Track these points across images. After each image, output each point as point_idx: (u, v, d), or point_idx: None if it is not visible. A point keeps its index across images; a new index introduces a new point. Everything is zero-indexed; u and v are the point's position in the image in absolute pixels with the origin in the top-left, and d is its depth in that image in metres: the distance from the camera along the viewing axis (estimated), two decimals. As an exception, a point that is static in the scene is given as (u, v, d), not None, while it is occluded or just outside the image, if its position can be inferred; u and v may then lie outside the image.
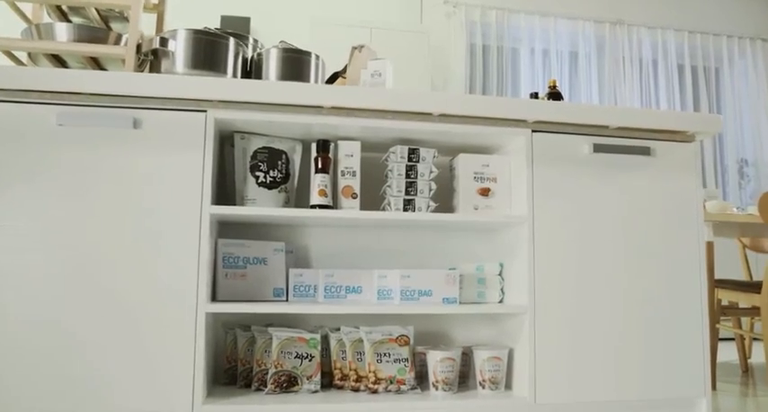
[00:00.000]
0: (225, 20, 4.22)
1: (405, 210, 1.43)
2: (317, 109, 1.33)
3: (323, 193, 1.38)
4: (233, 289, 1.41)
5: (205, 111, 1.30)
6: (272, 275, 1.46)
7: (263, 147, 1.43)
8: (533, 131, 1.43)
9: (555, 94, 2.04)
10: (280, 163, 1.44)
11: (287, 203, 1.45)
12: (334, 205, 1.43)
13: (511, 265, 1.48)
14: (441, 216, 1.38)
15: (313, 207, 1.37)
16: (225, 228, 1.54)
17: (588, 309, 1.39)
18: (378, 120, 1.36)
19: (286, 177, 1.45)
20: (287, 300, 1.47)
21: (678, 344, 1.42)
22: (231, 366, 1.48)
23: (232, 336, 1.49)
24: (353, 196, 1.43)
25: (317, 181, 1.39)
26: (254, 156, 1.42)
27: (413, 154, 1.45)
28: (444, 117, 1.39)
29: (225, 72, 1.39)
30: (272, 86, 1.28)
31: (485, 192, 1.49)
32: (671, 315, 1.43)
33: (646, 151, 1.46)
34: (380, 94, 1.31)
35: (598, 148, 1.43)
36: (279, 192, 1.43)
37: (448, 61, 4.60)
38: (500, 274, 1.53)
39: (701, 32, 5.09)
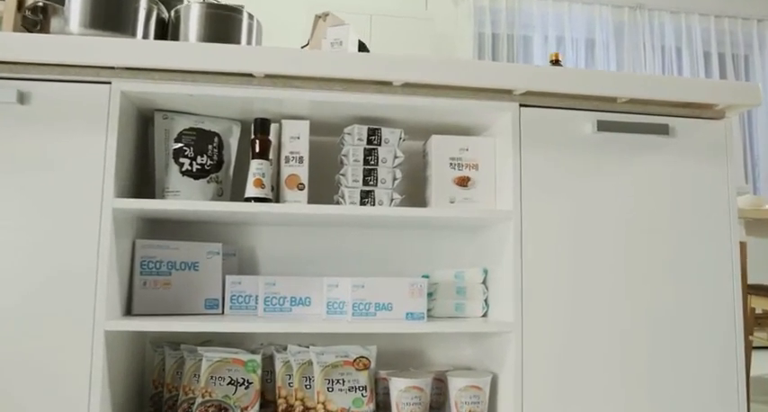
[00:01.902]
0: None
1: (362, 203, 1.16)
2: (246, 78, 1.08)
3: (259, 183, 1.12)
4: (153, 300, 1.15)
5: (109, 82, 1.05)
6: (204, 283, 1.20)
7: (190, 129, 1.17)
8: (522, 106, 1.15)
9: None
10: (210, 147, 1.18)
11: (220, 196, 1.20)
12: (277, 198, 1.18)
13: (496, 272, 1.20)
14: (404, 211, 1.11)
15: (248, 200, 1.11)
16: (153, 228, 1.29)
17: (589, 327, 1.11)
18: (325, 92, 1.10)
19: (218, 165, 1.19)
20: (222, 313, 1.22)
21: (703, 369, 1.13)
22: (158, 392, 1.23)
23: (161, 357, 1.24)
24: (300, 187, 1.17)
25: (254, 168, 1.13)
26: (178, 140, 1.16)
27: (373, 135, 1.19)
28: (409, 87, 1.12)
29: (133, 34, 1.14)
30: (184, 48, 1.03)
31: (463, 182, 1.21)
32: (694, 331, 1.14)
33: (663, 130, 1.17)
34: (324, 59, 1.05)
35: (603, 127, 1.15)
36: (208, 182, 1.17)
37: (454, 51, 4.32)
38: (484, 283, 1.26)
39: (729, 16, 4.72)
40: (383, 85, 1.11)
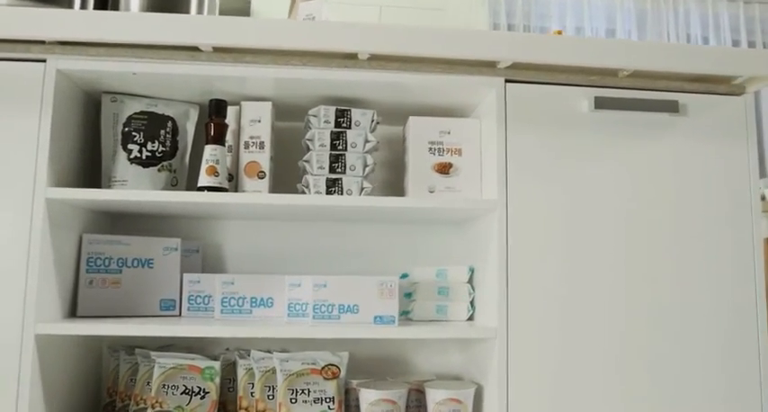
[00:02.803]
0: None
1: (329, 193, 1.04)
2: (192, 53, 0.96)
3: (212, 171, 1.01)
4: (101, 301, 1.05)
5: (44, 60, 0.95)
6: (159, 282, 1.10)
7: (141, 113, 1.07)
8: (508, 81, 1.02)
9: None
10: (163, 133, 1.08)
11: (174, 186, 1.09)
12: (236, 187, 1.06)
13: (483, 271, 1.07)
14: (373, 201, 0.98)
15: (200, 190, 1.00)
16: (110, 222, 1.19)
17: (584, 333, 0.97)
18: (281, 67, 0.98)
19: (172, 152, 1.08)
20: (179, 315, 1.11)
21: (715, 380, 0.98)
22: (111, 401, 1.12)
23: (116, 362, 1.14)
24: (260, 175, 1.06)
25: (207, 155, 1.02)
26: (127, 124, 1.06)
27: (342, 117, 1.06)
28: (376, 61, 0.99)
29: (70, 4, 1.03)
30: (120, 19, 0.92)
31: (444, 169, 1.08)
32: (707, 340, 0.99)
33: (672, 107, 1.02)
34: (277, 28, 0.93)
35: (602, 104, 1.01)
36: (159, 170, 1.06)
37: (467, 42, 4.17)
38: (469, 282, 1.12)
39: (760, 2, 4.47)
40: (348, 59, 0.99)
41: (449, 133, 1.09)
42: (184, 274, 1.11)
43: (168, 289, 1.10)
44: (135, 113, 1.06)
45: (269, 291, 1.07)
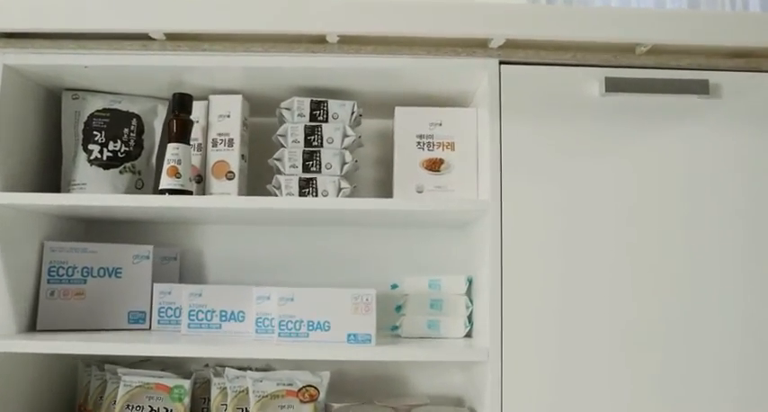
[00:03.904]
0: None
1: (302, 194, 0.93)
2: (144, 41, 0.87)
3: (174, 172, 0.91)
4: (63, 313, 0.98)
5: (-8, 54, 0.88)
6: (128, 293, 1.02)
7: (103, 110, 0.99)
8: (502, 63, 0.88)
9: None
10: (126, 131, 0.99)
11: (139, 189, 1.00)
12: (203, 189, 0.96)
13: (480, 281, 0.93)
14: (345, 203, 0.86)
15: (161, 192, 0.91)
16: (81, 228, 1.11)
17: (588, 355, 0.82)
18: (242, 55, 0.87)
19: (136, 152, 1.00)
20: (149, 328, 1.02)
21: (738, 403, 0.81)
22: (83, 419, 1.05)
23: (88, 378, 1.07)
24: (229, 176, 0.96)
25: (169, 154, 0.92)
26: (88, 123, 0.98)
27: (318, 109, 0.95)
28: (347, 44, 0.87)
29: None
30: (61, 5, 0.83)
31: (434, 166, 0.95)
32: (736, 362, 0.82)
33: (702, 88, 0.86)
34: (233, 10, 0.82)
35: (614, 86, 0.86)
36: (121, 172, 0.98)
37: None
38: (467, 294, 0.99)
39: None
40: (316, 43, 0.87)
41: (440, 125, 0.96)
42: (155, 285, 1.02)
43: (138, 300, 1.02)
44: (97, 111, 0.98)
45: (240, 303, 0.97)
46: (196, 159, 0.97)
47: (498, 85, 0.87)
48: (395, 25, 0.83)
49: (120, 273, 1.02)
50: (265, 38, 0.86)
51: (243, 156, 0.98)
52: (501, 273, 0.83)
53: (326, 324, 0.85)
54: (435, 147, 0.96)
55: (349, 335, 0.85)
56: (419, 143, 0.96)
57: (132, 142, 0.99)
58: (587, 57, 0.87)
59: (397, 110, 0.97)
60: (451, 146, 0.96)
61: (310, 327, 0.85)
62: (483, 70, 0.88)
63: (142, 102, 1.01)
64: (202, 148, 0.98)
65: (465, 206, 0.86)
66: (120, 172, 0.97)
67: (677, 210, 0.84)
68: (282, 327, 0.85)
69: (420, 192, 0.95)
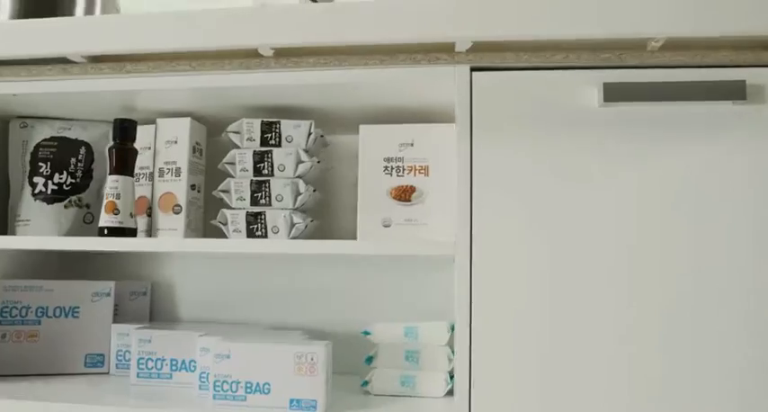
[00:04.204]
0: None
1: (250, 232, 0.81)
2: (64, 65, 0.78)
3: (112, 208, 0.82)
4: (15, 357, 0.91)
5: (-76, 85, 0.82)
6: (85, 334, 0.94)
7: (51, 139, 0.91)
8: (474, 70, 0.71)
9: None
10: (74, 161, 0.91)
11: (89, 223, 0.92)
12: (150, 226, 0.87)
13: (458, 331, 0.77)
14: (295, 246, 0.73)
15: (101, 231, 0.82)
16: (55, 261, 1.06)
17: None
18: (170, 76, 0.76)
19: (84, 183, 0.92)
20: (108, 373, 0.94)
21: None
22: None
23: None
24: (176, 210, 0.85)
25: (108, 188, 0.83)
26: (34, 153, 0.91)
27: (269, 132, 0.83)
28: (286, 57, 0.74)
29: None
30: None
31: (404, 195, 0.80)
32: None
33: (737, 92, 0.65)
34: (149, 25, 0.71)
35: (615, 94, 0.67)
36: (66, 206, 0.90)
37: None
38: (448, 345, 0.83)
39: None
40: (250, 58, 0.74)
41: (411, 145, 0.81)
42: (113, 326, 0.94)
43: (96, 342, 0.94)
44: (44, 140, 0.91)
45: (191, 351, 0.86)
46: (147, 190, 0.88)
47: (469, 96, 0.70)
48: (330, 33, 0.68)
49: (78, 312, 0.94)
50: (190, 55, 0.74)
51: (194, 186, 0.88)
52: (470, 326, 0.67)
53: (267, 386, 0.73)
54: (406, 171, 0.80)
55: (292, 401, 0.72)
56: (386, 168, 0.81)
57: (80, 173, 0.91)
58: (584, 57, 0.69)
59: (362, 129, 0.83)
60: (425, 170, 0.80)
61: (248, 390, 0.73)
62: (450, 80, 0.72)
63: (93, 127, 0.93)
64: (149, 179, 0.88)
65: (427, 250, 0.71)
66: (66, 206, 0.89)
67: (696, 257, 0.65)
68: (218, 388, 0.74)
69: (387, 226, 0.80)
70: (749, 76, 0.66)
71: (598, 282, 0.66)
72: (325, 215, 0.98)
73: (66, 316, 0.94)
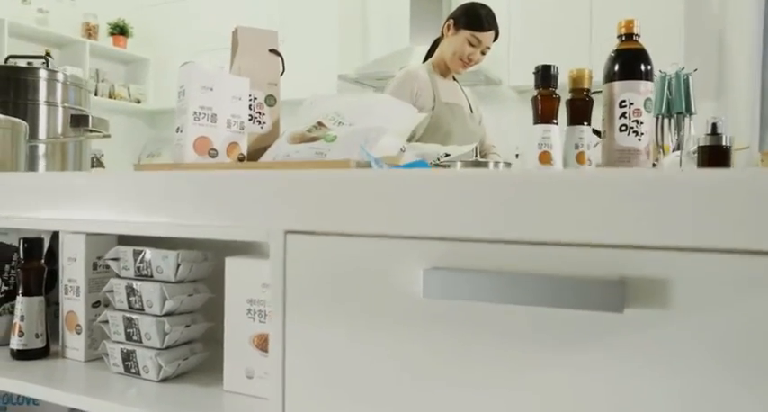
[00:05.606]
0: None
1: (126, 369, 0.77)
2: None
3: (18, 331, 0.84)
4: (-10, 441, 1.01)
5: None
6: (46, 423, 1.00)
7: (-14, 245, 0.95)
8: (289, 232, 0.57)
9: (633, 54, 0.82)
10: (8, 268, 0.94)
11: (26, 329, 0.95)
12: (62, 347, 0.87)
13: None
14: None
15: (12, 353, 0.84)
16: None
17: None
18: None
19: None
20: (66, 461, 1.00)
21: None
22: None
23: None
24: (77, 329, 0.85)
25: (16, 309, 0.85)
26: (-30, 261, 0.95)
27: (141, 262, 0.76)
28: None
29: None
30: None
31: (266, 345, 0.70)
32: None
33: (614, 303, 0.43)
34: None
35: (432, 285, 0.49)
36: (0, 314, 0.94)
37: None
38: None
39: None
40: (78, 207, 0.68)
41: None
42: (68, 415, 0.98)
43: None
44: (-20, 247, 0.95)
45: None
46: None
47: (283, 265, 0.57)
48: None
49: (39, 400, 1.00)
50: None
51: (97, 303, 0.86)
52: None
53: None
54: (268, 317, 0.70)
55: None
56: (249, 311, 0.71)
57: (14, 279, 0.94)
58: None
59: (227, 262, 0.73)
60: (286, 317, 0.68)
61: None
62: (265, 241, 0.58)
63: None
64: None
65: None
66: (0, 314, 0.93)
67: None
68: None
69: (250, 377, 0.71)
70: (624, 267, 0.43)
71: None
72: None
73: (28, 403, 1.01)
